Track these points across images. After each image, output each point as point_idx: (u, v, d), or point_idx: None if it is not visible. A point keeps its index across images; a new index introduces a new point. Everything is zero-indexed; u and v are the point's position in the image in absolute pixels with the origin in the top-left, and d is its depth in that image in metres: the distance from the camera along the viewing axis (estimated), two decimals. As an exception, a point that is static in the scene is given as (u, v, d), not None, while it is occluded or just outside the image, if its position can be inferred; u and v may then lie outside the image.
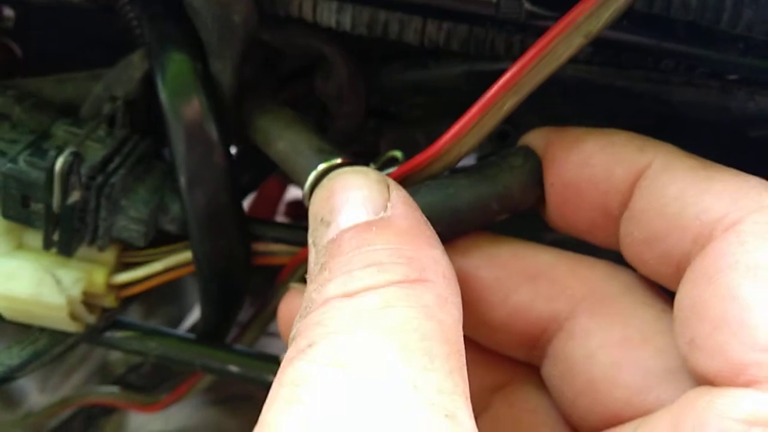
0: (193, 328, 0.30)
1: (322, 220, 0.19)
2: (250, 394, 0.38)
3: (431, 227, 0.19)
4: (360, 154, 0.27)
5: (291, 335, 0.17)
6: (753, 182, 0.17)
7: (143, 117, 0.28)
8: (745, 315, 0.15)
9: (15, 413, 0.44)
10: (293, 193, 0.58)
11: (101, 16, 0.31)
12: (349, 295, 0.16)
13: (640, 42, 0.24)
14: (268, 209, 0.58)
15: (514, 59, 0.26)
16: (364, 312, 0.16)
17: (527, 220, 0.24)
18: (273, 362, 0.29)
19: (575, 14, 0.19)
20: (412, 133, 0.35)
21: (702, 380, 0.16)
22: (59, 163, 0.23)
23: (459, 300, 0.17)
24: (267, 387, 0.29)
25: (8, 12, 0.37)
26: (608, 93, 0.26)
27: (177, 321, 0.42)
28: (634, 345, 0.19)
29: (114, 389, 0.36)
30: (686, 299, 0.17)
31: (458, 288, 0.18)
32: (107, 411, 0.38)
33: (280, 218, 0.58)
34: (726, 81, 0.24)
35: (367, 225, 0.18)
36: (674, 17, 0.23)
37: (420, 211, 0.19)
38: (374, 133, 0.34)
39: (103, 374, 0.47)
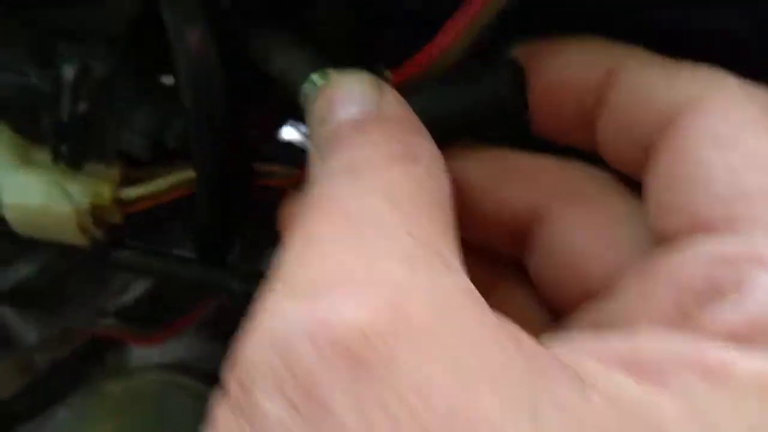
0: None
1: (321, 118, 0.21)
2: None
3: (420, 122, 0.21)
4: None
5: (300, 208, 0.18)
6: (716, 70, 0.19)
7: (143, 37, 0.29)
8: (706, 173, 0.16)
9: (11, 353, 0.45)
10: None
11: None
12: (350, 169, 0.18)
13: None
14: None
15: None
16: (364, 179, 0.17)
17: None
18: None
19: None
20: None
21: (665, 238, 0.17)
22: (71, 74, 0.24)
23: (446, 177, 0.19)
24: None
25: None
26: (582, 14, 0.27)
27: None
28: (608, 227, 0.20)
29: (113, 321, 0.38)
30: (654, 171, 0.18)
31: (445, 168, 0.19)
32: (107, 345, 0.39)
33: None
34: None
35: (362, 119, 0.20)
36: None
37: (410, 107, 0.21)
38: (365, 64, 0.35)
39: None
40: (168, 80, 0.29)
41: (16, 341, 0.45)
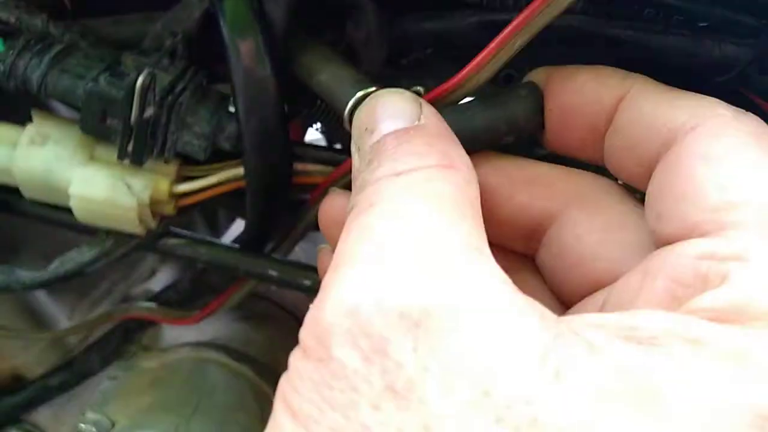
0: (236, 240, 0.35)
1: (366, 129, 0.24)
2: (273, 314, 0.43)
3: (454, 134, 0.24)
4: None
5: (348, 207, 0.22)
6: (709, 99, 0.22)
7: (198, 51, 0.32)
8: (698, 188, 0.20)
9: (46, 333, 0.48)
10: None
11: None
12: (397, 174, 0.21)
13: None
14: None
15: (520, 11, 0.31)
16: (411, 184, 0.20)
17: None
18: (307, 269, 0.33)
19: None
20: (426, 82, 0.39)
21: (666, 243, 0.21)
22: (140, 81, 0.27)
23: (477, 183, 0.22)
24: (302, 290, 0.34)
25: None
26: (597, 40, 0.30)
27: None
28: (613, 228, 0.24)
29: (152, 305, 0.41)
30: (655, 185, 0.22)
31: (476, 176, 0.22)
32: (143, 325, 0.42)
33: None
34: (696, 29, 0.29)
35: (405, 130, 0.23)
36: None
37: (446, 122, 0.24)
38: (392, 82, 0.39)
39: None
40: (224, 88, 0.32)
41: (49, 322, 0.48)
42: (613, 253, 0.23)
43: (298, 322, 0.45)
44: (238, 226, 0.52)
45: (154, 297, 0.41)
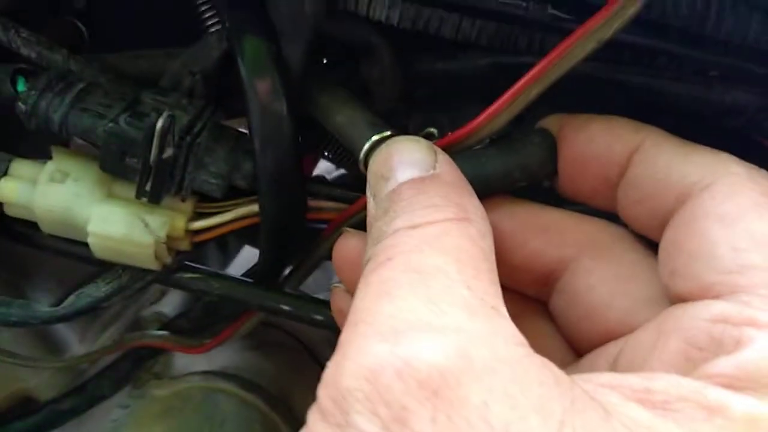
0: (248, 273, 0.35)
1: (382, 176, 0.24)
2: (283, 342, 0.43)
3: (468, 183, 0.24)
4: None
5: (365, 258, 0.22)
6: (723, 155, 0.23)
7: (215, 90, 0.33)
8: (713, 249, 0.20)
9: (58, 358, 0.49)
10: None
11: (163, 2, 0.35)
12: (414, 227, 0.21)
13: (638, 42, 0.29)
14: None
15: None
16: (428, 238, 0.21)
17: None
18: (319, 304, 0.34)
19: (591, 23, 0.24)
20: (437, 117, 0.40)
21: (678, 300, 0.21)
22: (160, 123, 0.28)
23: (491, 235, 0.22)
24: (315, 325, 0.34)
25: (81, -6, 0.41)
26: (608, 86, 0.31)
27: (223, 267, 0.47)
28: (625, 279, 0.24)
29: (164, 333, 0.41)
30: (669, 241, 0.22)
31: (491, 227, 0.23)
32: (154, 352, 0.43)
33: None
34: (708, 77, 0.29)
35: (421, 179, 0.23)
36: (668, 22, 0.28)
37: (460, 171, 0.25)
38: (404, 116, 0.39)
39: (135, 329, 0.52)
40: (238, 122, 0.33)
41: (60, 344, 0.48)
42: (626, 304, 0.24)
43: (308, 350, 0.46)
44: (249, 251, 0.52)
45: (166, 325, 0.41)
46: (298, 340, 0.42)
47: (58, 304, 0.47)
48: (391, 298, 0.19)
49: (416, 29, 0.31)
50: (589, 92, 0.32)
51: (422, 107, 0.40)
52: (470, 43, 0.32)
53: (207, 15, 0.34)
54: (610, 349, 0.23)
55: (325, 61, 0.36)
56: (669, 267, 0.22)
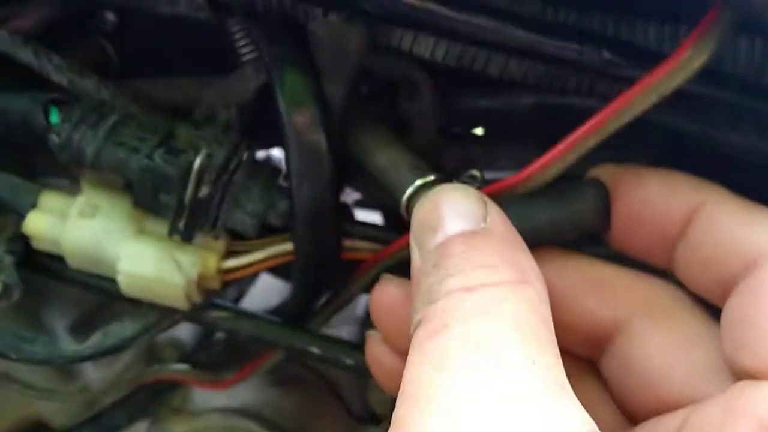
0: (275, 311, 0.34)
1: (428, 226, 0.23)
2: (303, 377, 0.42)
3: (521, 237, 0.23)
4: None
5: (416, 318, 0.21)
6: None
7: (251, 123, 0.32)
8: None
9: (72, 385, 0.48)
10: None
11: (196, 28, 0.34)
12: (469, 289, 0.20)
13: (694, 90, 0.28)
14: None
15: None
16: (485, 304, 0.20)
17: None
18: (351, 347, 0.32)
19: (654, 76, 0.23)
20: (473, 151, 0.39)
21: (747, 377, 0.20)
22: (198, 162, 0.27)
23: (548, 298, 0.21)
24: (345, 368, 0.33)
25: (110, 16, 0.41)
26: (661, 131, 0.30)
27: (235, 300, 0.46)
28: (684, 347, 0.23)
29: (184, 367, 0.40)
30: (734, 313, 0.21)
31: (547, 289, 0.22)
32: (173, 385, 0.41)
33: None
34: (764, 127, 0.28)
35: (472, 233, 0.22)
36: (725, 71, 0.27)
37: (510, 222, 0.24)
38: (440, 151, 0.38)
39: (150, 353, 0.51)
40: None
41: (75, 368, 0.47)
42: (686, 374, 0.22)
43: (330, 385, 0.44)
44: (265, 279, 0.51)
45: (186, 357, 0.40)
46: (320, 375, 0.41)
47: (75, 328, 0.46)
48: (450, 373, 0.18)
49: (460, 67, 0.30)
50: (640, 137, 0.31)
51: (459, 141, 0.39)
52: (516, 82, 0.31)
53: (242, 45, 0.33)
54: (671, 421, 0.22)
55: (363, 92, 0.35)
56: (736, 340, 0.21)
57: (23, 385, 0.37)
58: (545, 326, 0.20)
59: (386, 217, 0.70)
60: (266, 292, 0.56)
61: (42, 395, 0.42)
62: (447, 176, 0.29)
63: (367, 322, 0.56)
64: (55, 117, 0.29)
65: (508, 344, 0.19)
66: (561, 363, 0.19)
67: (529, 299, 0.20)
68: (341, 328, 0.49)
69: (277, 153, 0.43)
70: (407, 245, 0.30)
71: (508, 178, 0.26)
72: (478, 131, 0.40)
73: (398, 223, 0.29)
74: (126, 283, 0.29)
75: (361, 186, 0.45)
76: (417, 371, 0.19)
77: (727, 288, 0.22)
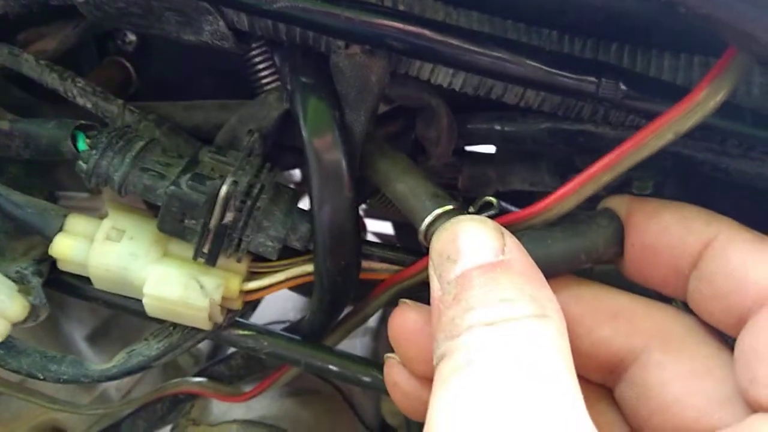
0: (293, 329, 0.35)
1: (447, 257, 0.24)
2: (318, 388, 0.43)
3: (538, 269, 0.24)
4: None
5: (439, 351, 0.22)
6: None
7: (270, 149, 0.32)
8: None
9: (91, 395, 0.48)
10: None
11: (218, 53, 0.35)
12: (490, 324, 0.21)
13: (708, 122, 0.29)
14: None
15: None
16: (508, 339, 0.20)
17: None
18: (369, 365, 0.33)
19: (670, 115, 0.24)
20: (486, 171, 0.40)
21: (762, 410, 0.21)
22: (224, 190, 0.27)
23: (566, 330, 0.22)
24: (362, 386, 0.34)
25: (131, 36, 0.41)
26: (675, 159, 0.30)
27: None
28: (699, 376, 0.24)
29: (203, 380, 0.41)
30: (747, 346, 0.22)
31: (565, 321, 0.22)
32: (192, 396, 0.42)
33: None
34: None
35: (491, 265, 0.23)
36: (740, 103, 0.28)
37: (528, 254, 0.24)
38: (454, 169, 0.39)
39: (169, 364, 0.52)
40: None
41: (98, 386, 0.48)
42: (701, 402, 0.23)
43: (345, 396, 0.45)
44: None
45: (205, 370, 0.41)
46: (335, 387, 0.42)
47: (93, 337, 0.47)
48: (477, 412, 0.19)
49: (477, 95, 0.31)
50: (656, 165, 0.31)
51: (472, 161, 0.40)
52: (529, 107, 0.32)
53: (264, 72, 0.34)
54: (684, 453, 0.23)
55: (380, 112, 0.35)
56: (749, 373, 0.21)
57: (41, 397, 0.38)
58: (566, 360, 0.21)
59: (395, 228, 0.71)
60: (277, 301, 0.57)
61: (61, 407, 0.43)
62: (464, 204, 0.29)
63: (378, 334, 0.57)
64: (82, 143, 0.30)
65: (529, 383, 0.19)
66: (581, 398, 0.20)
67: (550, 334, 0.21)
68: (354, 339, 0.50)
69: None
70: (424, 268, 0.31)
71: (525, 209, 0.27)
72: (491, 149, 0.40)
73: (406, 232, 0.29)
74: (151, 306, 0.30)
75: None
76: (442, 408, 0.20)
77: (740, 320, 0.23)
